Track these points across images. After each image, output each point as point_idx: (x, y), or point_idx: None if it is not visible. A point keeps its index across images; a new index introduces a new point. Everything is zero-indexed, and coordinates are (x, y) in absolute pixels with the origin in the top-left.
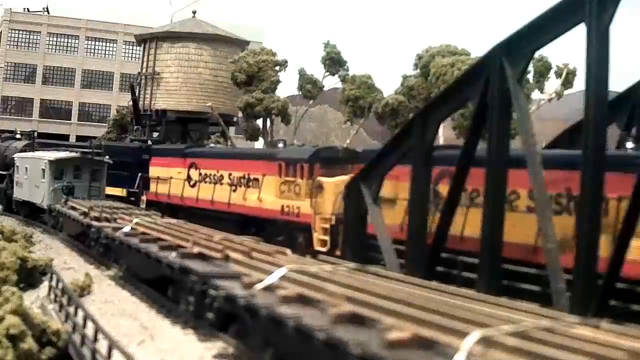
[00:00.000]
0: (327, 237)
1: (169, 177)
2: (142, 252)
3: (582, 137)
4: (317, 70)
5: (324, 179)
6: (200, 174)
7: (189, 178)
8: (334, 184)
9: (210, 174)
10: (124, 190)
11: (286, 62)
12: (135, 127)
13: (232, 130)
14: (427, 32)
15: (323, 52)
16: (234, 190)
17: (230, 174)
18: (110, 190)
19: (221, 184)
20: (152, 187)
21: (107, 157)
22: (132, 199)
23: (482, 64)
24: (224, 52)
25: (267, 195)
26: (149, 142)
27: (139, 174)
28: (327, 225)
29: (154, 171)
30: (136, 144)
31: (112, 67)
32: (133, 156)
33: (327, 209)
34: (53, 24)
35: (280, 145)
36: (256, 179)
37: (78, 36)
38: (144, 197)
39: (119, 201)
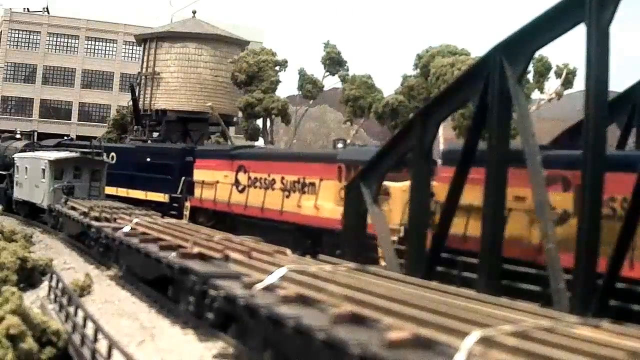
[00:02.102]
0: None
1: (215, 182)
2: (142, 252)
3: (582, 137)
4: (317, 70)
5: (390, 184)
6: (249, 177)
7: (236, 182)
8: (402, 190)
9: (261, 178)
10: (166, 195)
11: (286, 62)
12: (135, 127)
13: (232, 130)
14: (427, 32)
15: (323, 52)
16: (287, 197)
17: (282, 178)
18: (150, 196)
19: (272, 189)
20: (197, 192)
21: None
22: (175, 204)
23: (482, 64)
24: (224, 52)
25: (325, 202)
26: (190, 145)
27: (183, 178)
28: (395, 238)
29: (198, 174)
30: (179, 145)
31: (112, 67)
32: (175, 158)
33: (395, 218)
34: (53, 24)
35: (340, 145)
36: (312, 184)
37: (78, 36)
38: (187, 203)
39: (160, 208)
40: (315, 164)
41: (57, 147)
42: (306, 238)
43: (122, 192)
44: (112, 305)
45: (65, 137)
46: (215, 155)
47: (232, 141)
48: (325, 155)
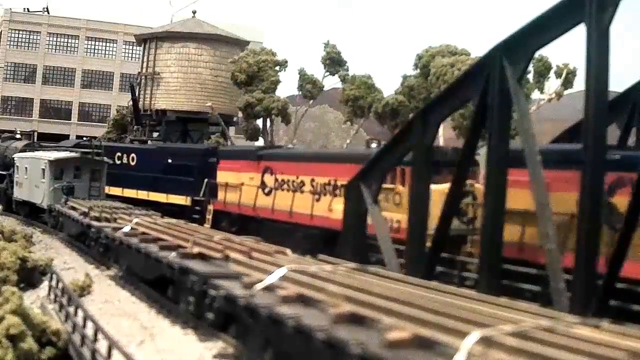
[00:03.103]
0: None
1: (239, 184)
2: (142, 252)
3: (582, 137)
4: (317, 70)
5: (432, 186)
6: (276, 180)
7: (263, 184)
8: (443, 192)
9: (289, 180)
10: (188, 198)
11: (286, 62)
12: (135, 127)
13: (232, 130)
14: (427, 32)
15: (323, 52)
16: (318, 200)
17: (312, 180)
18: (172, 199)
19: (302, 191)
20: (220, 195)
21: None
22: (197, 208)
23: (482, 64)
24: (224, 52)
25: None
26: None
27: (205, 180)
28: (429, 244)
29: (222, 176)
30: (202, 145)
31: (112, 67)
32: (198, 159)
33: (433, 224)
34: (53, 24)
35: (374, 145)
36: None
37: (78, 36)
38: (210, 207)
39: (181, 211)
40: (347, 165)
41: (76, 147)
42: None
43: (142, 194)
44: (112, 305)
45: (85, 138)
46: (240, 155)
47: (232, 141)
48: (358, 156)
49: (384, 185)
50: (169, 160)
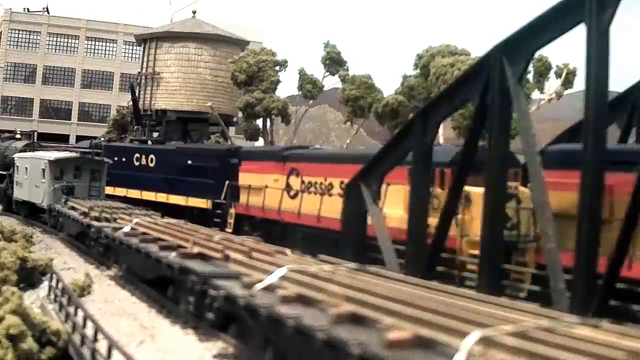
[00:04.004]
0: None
1: (263, 186)
2: (142, 252)
3: (582, 137)
4: (317, 70)
5: (472, 189)
6: (302, 182)
7: (288, 187)
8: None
9: (316, 183)
10: (208, 201)
11: (286, 62)
12: (135, 127)
13: (232, 130)
14: (427, 32)
15: (323, 52)
16: (295, 197)
17: (342, 183)
18: (192, 202)
19: (330, 194)
20: (242, 197)
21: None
22: (218, 211)
23: (482, 64)
24: (224, 52)
25: (394, 210)
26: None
27: (226, 182)
28: (477, 252)
29: (244, 178)
30: (224, 145)
31: (112, 67)
32: (218, 160)
33: (477, 228)
34: (53, 24)
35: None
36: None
37: (78, 36)
38: (232, 210)
39: (201, 215)
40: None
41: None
42: (370, 251)
43: (161, 197)
44: (112, 305)
45: (102, 138)
46: (263, 156)
47: (232, 141)
48: None
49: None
50: (189, 162)
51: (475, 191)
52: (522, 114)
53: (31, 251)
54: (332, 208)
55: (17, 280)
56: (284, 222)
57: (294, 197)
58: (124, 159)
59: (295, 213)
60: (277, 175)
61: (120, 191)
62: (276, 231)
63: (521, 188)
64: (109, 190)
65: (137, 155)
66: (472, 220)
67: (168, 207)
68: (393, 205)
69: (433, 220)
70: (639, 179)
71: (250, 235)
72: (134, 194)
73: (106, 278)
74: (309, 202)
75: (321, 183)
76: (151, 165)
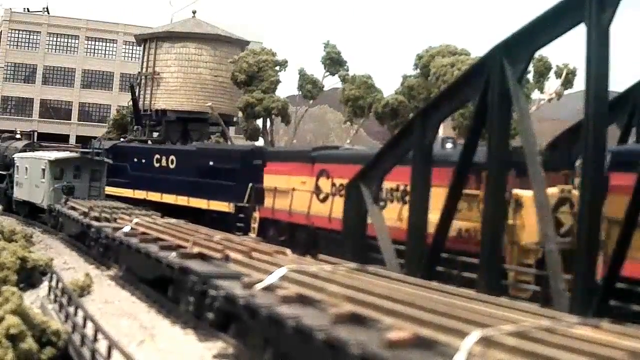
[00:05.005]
0: (530, 279)
1: (290, 189)
2: (142, 252)
3: (582, 137)
4: (317, 70)
5: (522, 192)
6: (333, 184)
7: (317, 190)
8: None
9: None
10: (231, 204)
11: (286, 62)
12: (135, 127)
13: (232, 130)
14: (427, 32)
15: (323, 52)
16: (383, 208)
17: None
18: (213, 205)
19: None
20: (267, 201)
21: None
22: (241, 215)
23: (482, 64)
24: (224, 52)
25: (436, 215)
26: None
27: (250, 184)
28: (531, 261)
29: (269, 180)
30: (247, 146)
31: (112, 67)
32: (241, 161)
33: (530, 235)
34: (53, 24)
35: (449, 145)
36: None
37: (78, 36)
38: (256, 214)
39: (223, 219)
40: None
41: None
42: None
43: (182, 200)
44: (112, 305)
45: (122, 139)
46: (290, 157)
47: (232, 141)
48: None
49: (466, 191)
50: (210, 163)
51: (528, 195)
52: (522, 114)
53: (31, 251)
54: None
55: (17, 280)
56: (313, 227)
57: (324, 200)
58: (143, 161)
59: (326, 217)
60: (305, 177)
61: (139, 194)
62: (304, 236)
63: (574, 191)
64: (127, 193)
65: (157, 156)
66: (524, 226)
67: (189, 210)
68: (435, 210)
69: (478, 226)
70: (638, 179)
71: (276, 240)
72: (154, 196)
73: (106, 278)
74: (341, 206)
75: None
76: (171, 166)
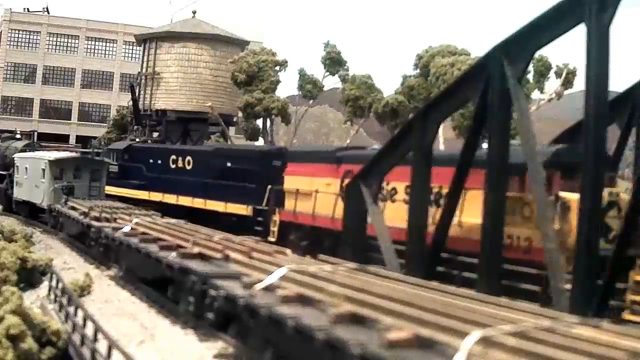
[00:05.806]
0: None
1: (313, 191)
2: (142, 252)
3: (582, 137)
4: (317, 70)
5: (569, 195)
6: None
7: (343, 192)
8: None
9: None
10: (248, 207)
11: (286, 62)
12: (135, 127)
13: (232, 130)
14: (427, 32)
15: (323, 52)
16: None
17: (407, 187)
18: (230, 208)
19: (393, 200)
20: (288, 203)
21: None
22: (260, 219)
23: (482, 64)
24: (224, 52)
25: (473, 219)
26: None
27: (269, 187)
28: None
29: (290, 182)
30: (266, 146)
31: (112, 67)
32: (259, 162)
33: None
34: (53, 24)
35: (485, 145)
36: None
37: (78, 36)
38: (275, 217)
39: (241, 222)
40: (454, 167)
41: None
42: (444, 265)
43: (198, 202)
44: (112, 305)
45: (137, 140)
46: (313, 157)
47: (232, 141)
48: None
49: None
50: (228, 164)
51: (574, 198)
52: (522, 114)
53: (31, 251)
54: (396, 215)
55: (17, 280)
56: (339, 231)
57: None
58: (159, 162)
59: None
60: (330, 178)
61: (155, 196)
62: (329, 240)
63: (622, 195)
64: (143, 195)
65: (173, 157)
66: (571, 230)
67: (205, 213)
68: (472, 214)
69: (523, 232)
70: (638, 179)
71: (298, 245)
72: (170, 199)
73: (106, 278)
74: None
75: (383, 187)
76: (188, 167)
